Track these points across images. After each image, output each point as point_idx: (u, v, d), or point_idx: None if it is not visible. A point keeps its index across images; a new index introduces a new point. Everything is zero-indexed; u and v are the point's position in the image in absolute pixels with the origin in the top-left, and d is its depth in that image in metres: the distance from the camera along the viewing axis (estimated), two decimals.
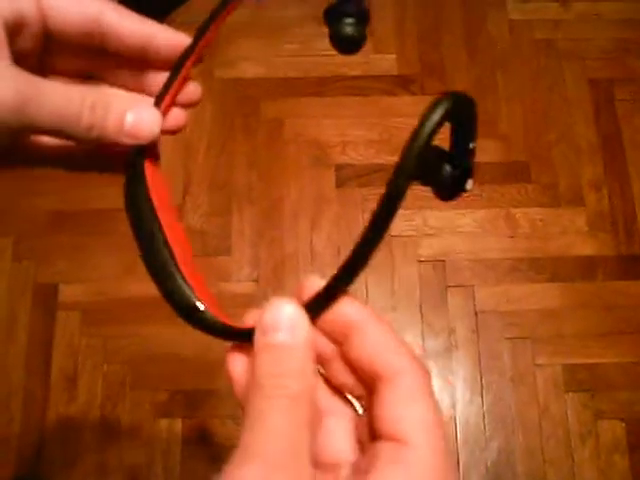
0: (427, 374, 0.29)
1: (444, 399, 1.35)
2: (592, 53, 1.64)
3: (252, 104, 1.59)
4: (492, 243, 1.45)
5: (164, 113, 0.36)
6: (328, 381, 0.32)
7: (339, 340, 0.31)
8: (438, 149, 0.27)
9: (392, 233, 1.46)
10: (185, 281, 0.32)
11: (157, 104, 0.35)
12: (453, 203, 1.46)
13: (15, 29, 0.29)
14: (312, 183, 1.51)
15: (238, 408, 1.35)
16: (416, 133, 0.25)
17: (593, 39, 1.66)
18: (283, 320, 0.28)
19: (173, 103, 0.36)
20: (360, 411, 0.32)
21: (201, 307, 0.32)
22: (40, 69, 0.32)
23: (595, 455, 1.32)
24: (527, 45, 1.66)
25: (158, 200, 0.34)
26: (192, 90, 0.37)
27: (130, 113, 0.33)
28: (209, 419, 1.34)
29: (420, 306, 1.41)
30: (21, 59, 0.29)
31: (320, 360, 0.31)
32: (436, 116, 0.25)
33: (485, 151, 1.53)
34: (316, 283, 0.30)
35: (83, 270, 1.43)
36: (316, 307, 0.29)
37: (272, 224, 1.48)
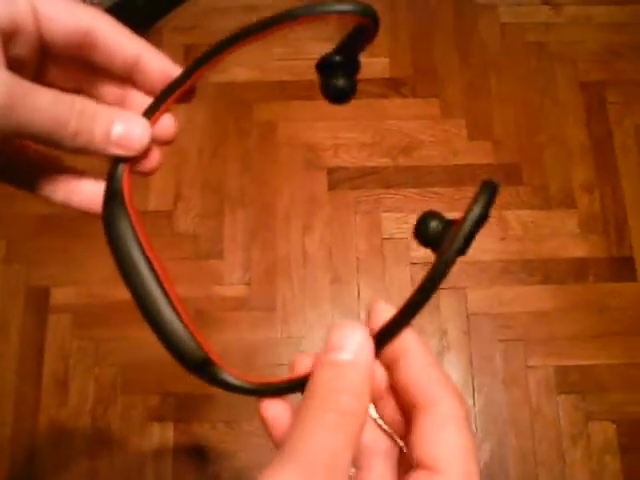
0: (464, 405, 0.29)
1: None
2: (583, 56, 1.65)
3: (244, 108, 1.59)
4: (484, 245, 1.45)
5: (153, 124, 0.35)
6: (375, 420, 0.33)
7: (389, 364, 0.31)
8: (449, 222, 0.30)
9: (384, 236, 1.46)
10: (193, 335, 0.32)
11: (146, 116, 0.35)
12: (445, 206, 1.47)
13: (10, 35, 0.29)
14: (304, 186, 1.51)
15: (230, 412, 1.35)
16: (461, 228, 0.27)
17: (584, 42, 1.67)
18: (349, 342, 0.29)
19: (164, 112, 0.36)
20: (405, 449, 0.32)
21: (229, 375, 0.32)
22: (34, 81, 0.32)
23: (587, 456, 1.32)
24: (519, 48, 1.66)
25: (139, 227, 0.34)
26: (167, 124, 0.37)
27: (118, 123, 0.33)
28: (201, 423, 1.33)
29: None
30: (16, 70, 0.29)
31: (372, 396, 0.31)
32: (478, 209, 0.27)
33: (477, 153, 1.53)
34: (385, 309, 0.31)
35: (74, 273, 1.43)
36: (381, 338, 0.30)
37: (264, 227, 1.48)
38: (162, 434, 1.33)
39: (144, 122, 0.34)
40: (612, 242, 1.47)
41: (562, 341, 1.40)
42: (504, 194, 1.50)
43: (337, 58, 0.35)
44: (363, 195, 1.50)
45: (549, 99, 1.61)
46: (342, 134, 1.56)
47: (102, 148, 0.33)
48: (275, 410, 0.32)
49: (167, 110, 0.36)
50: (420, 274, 1.43)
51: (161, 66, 0.35)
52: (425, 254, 1.44)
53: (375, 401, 0.32)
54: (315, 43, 1.63)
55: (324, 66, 0.35)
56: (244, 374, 0.32)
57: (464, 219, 0.27)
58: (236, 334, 1.39)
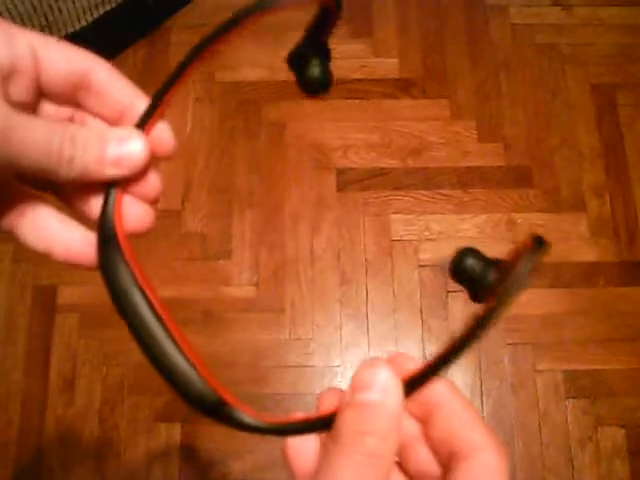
0: (505, 455, 0.29)
1: None
2: (594, 58, 1.64)
3: (253, 108, 1.58)
4: (493, 248, 1.44)
5: (149, 133, 0.34)
6: (404, 471, 0.32)
7: (423, 418, 0.31)
8: (488, 261, 0.29)
9: (393, 237, 1.46)
10: (204, 378, 0.31)
11: (140, 126, 0.33)
12: (454, 208, 1.46)
13: (9, 74, 0.29)
14: (313, 187, 1.51)
15: None
16: (511, 288, 0.26)
17: (595, 44, 1.66)
18: (376, 381, 0.28)
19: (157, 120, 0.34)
20: None
21: (246, 415, 0.31)
22: None
23: (595, 462, 1.31)
24: (529, 49, 1.66)
25: (138, 270, 0.32)
26: (164, 136, 0.34)
27: (113, 141, 0.32)
28: (207, 424, 1.33)
29: (420, 310, 1.40)
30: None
31: (400, 445, 0.30)
32: (528, 269, 0.26)
33: (487, 155, 1.53)
34: (405, 362, 0.31)
35: (81, 272, 1.42)
36: (408, 387, 0.29)
37: (273, 228, 1.47)
38: (169, 435, 1.33)
39: (139, 135, 0.33)
40: (622, 246, 1.46)
41: (571, 345, 1.39)
42: (514, 197, 1.49)
43: (306, 49, 0.34)
44: (372, 196, 1.49)
45: (560, 101, 1.60)
46: (351, 135, 1.55)
47: (99, 172, 0.31)
48: (302, 448, 0.32)
49: (162, 115, 0.34)
50: (429, 276, 1.42)
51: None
52: (434, 257, 1.44)
53: (406, 449, 0.31)
54: None
55: (295, 60, 0.34)
56: (260, 413, 0.31)
57: (514, 275, 0.26)
58: (244, 335, 1.39)
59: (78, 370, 1.38)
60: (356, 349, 1.38)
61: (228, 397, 0.31)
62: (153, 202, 0.35)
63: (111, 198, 0.33)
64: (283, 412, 1.33)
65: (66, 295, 1.43)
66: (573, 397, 1.35)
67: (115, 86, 0.33)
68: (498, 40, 1.67)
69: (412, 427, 0.31)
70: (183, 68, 0.33)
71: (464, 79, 1.62)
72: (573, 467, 1.31)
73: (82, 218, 0.35)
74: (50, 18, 1.38)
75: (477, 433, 0.29)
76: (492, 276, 0.28)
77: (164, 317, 0.32)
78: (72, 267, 0.36)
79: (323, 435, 0.31)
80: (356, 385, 0.28)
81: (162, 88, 0.33)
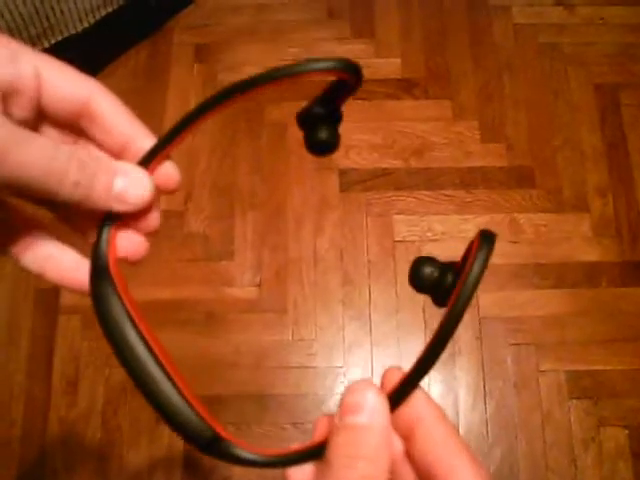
0: (485, 474, 0.28)
1: (447, 405, 1.34)
2: (597, 58, 1.64)
3: (255, 108, 1.58)
4: (496, 248, 1.43)
5: (152, 172, 0.34)
6: None
7: (405, 434, 0.31)
8: (443, 266, 0.30)
9: (395, 238, 1.45)
10: (198, 413, 0.31)
11: (145, 164, 0.33)
12: (457, 208, 1.46)
13: (9, 93, 0.29)
14: (315, 187, 1.51)
15: (239, 414, 1.34)
16: (465, 285, 0.27)
17: (598, 44, 1.66)
18: (364, 404, 0.28)
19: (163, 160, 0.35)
20: None
21: (241, 450, 0.31)
22: None
23: (598, 462, 1.31)
24: (532, 49, 1.65)
25: (130, 303, 0.33)
26: (170, 173, 0.35)
27: (120, 176, 0.32)
28: None
29: (423, 310, 1.40)
30: None
31: (391, 463, 0.30)
32: (480, 266, 0.27)
33: (489, 156, 1.53)
34: (396, 375, 0.31)
35: None
36: (394, 400, 0.30)
37: (275, 229, 1.47)
38: (172, 436, 1.33)
39: (145, 175, 0.33)
40: (625, 246, 1.46)
41: (574, 346, 1.39)
42: (516, 197, 1.49)
43: (319, 110, 0.34)
44: (375, 197, 1.49)
45: (562, 101, 1.60)
46: (353, 135, 1.55)
47: (102, 203, 0.31)
48: (301, 470, 0.32)
49: (167, 157, 0.34)
50: None
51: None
52: (437, 257, 1.44)
53: (397, 467, 0.31)
54: (328, 43, 1.63)
55: (305, 118, 0.34)
56: (254, 446, 0.31)
57: (467, 276, 0.27)
58: (247, 336, 1.39)
59: (81, 372, 1.38)
60: (359, 349, 1.38)
61: (223, 432, 0.31)
62: (149, 235, 0.36)
63: (105, 230, 0.33)
64: (286, 413, 1.34)
65: (69, 297, 1.42)
66: (576, 398, 1.35)
67: (117, 117, 0.33)
68: (501, 40, 1.67)
69: (399, 444, 0.31)
70: (198, 114, 0.33)
71: (466, 79, 1.62)
72: (576, 467, 1.30)
73: (77, 237, 0.35)
74: (52, 20, 1.38)
75: (459, 458, 0.29)
76: (450, 279, 0.29)
77: (157, 351, 0.32)
78: None
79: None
80: (345, 408, 0.28)
81: (173, 129, 0.33)
